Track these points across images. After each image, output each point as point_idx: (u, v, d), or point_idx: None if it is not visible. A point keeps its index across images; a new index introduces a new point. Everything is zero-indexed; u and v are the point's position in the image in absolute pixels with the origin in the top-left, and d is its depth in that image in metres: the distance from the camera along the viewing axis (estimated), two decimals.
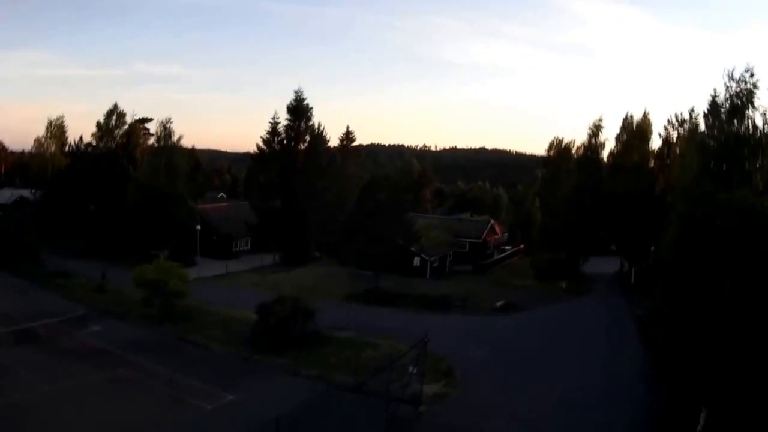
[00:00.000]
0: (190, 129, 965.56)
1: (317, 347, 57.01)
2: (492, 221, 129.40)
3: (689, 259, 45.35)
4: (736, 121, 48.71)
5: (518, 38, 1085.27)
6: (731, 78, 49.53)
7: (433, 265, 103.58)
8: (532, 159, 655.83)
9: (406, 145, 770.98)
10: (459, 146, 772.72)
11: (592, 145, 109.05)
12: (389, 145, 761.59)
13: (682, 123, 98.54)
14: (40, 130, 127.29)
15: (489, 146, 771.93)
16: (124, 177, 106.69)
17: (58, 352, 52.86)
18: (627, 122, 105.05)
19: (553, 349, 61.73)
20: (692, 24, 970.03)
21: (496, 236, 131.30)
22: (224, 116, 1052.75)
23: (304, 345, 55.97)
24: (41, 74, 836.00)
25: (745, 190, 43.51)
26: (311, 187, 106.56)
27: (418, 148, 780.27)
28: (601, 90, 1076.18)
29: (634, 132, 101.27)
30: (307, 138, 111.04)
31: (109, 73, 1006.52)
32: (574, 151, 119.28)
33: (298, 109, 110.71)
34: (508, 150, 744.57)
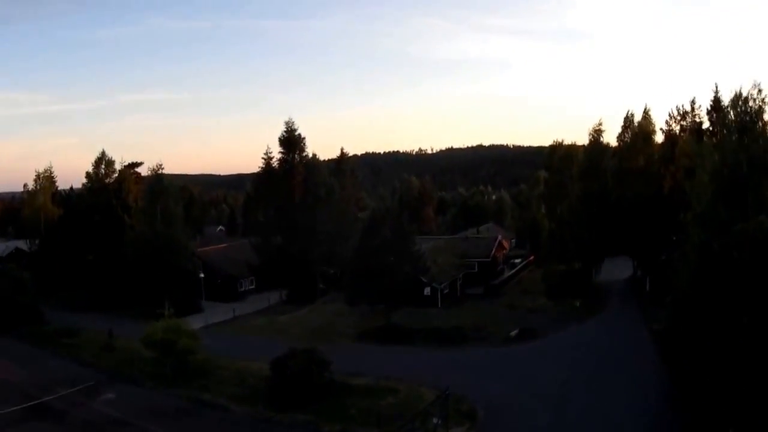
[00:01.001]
0: (180, 155, 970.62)
1: (336, 398, 55.21)
2: (499, 237, 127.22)
3: (708, 293, 43.60)
4: (746, 140, 46.71)
5: (508, 30, 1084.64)
6: (739, 99, 47.87)
7: (444, 291, 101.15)
8: (531, 151, 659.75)
9: (401, 151, 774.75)
10: (456, 146, 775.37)
11: (594, 151, 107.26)
12: (385, 152, 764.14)
13: (684, 116, 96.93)
14: (29, 169, 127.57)
15: (486, 142, 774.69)
16: (119, 226, 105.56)
17: (75, 426, 51.78)
18: (629, 121, 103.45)
19: (574, 381, 59.28)
20: (691, 4, 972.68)
21: (504, 251, 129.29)
22: (215, 139, 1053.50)
23: (322, 397, 54.49)
24: (24, 112, 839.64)
25: (762, 217, 41.61)
26: (311, 221, 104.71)
27: (414, 153, 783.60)
28: (599, 74, 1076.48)
29: (637, 134, 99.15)
30: (302, 170, 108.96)
31: (93, 105, 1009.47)
32: (577, 154, 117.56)
33: (291, 141, 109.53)
34: (506, 144, 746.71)
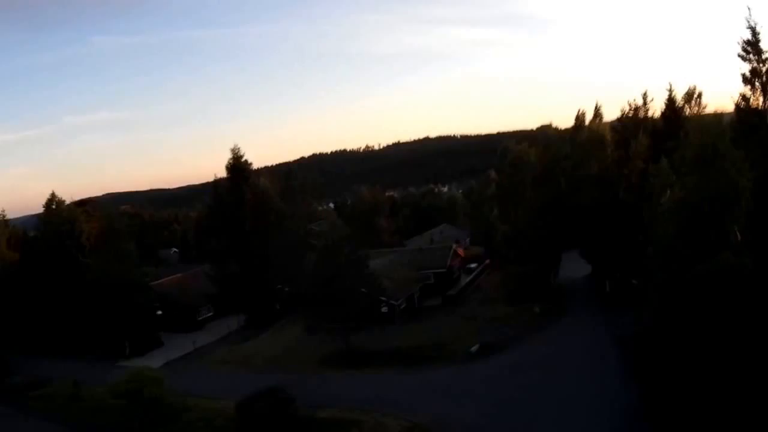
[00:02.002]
0: (129, 172, 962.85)
1: None
2: (454, 246, 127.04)
3: (672, 328, 44.43)
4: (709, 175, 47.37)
5: (448, 20, 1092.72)
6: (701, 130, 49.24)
7: (402, 307, 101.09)
8: (478, 140, 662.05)
9: (348, 149, 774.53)
10: (403, 140, 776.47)
11: (547, 158, 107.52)
12: (332, 152, 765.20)
13: (636, 111, 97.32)
14: None
15: (433, 134, 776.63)
16: (76, 267, 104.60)
17: None
18: (580, 120, 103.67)
19: (541, 400, 58.50)
20: None
21: (459, 258, 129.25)
22: (162, 153, 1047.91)
23: None
24: None
25: (726, 253, 42.47)
26: (264, 247, 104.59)
27: (362, 150, 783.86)
28: (544, 60, 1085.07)
29: (590, 138, 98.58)
30: (252, 198, 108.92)
31: (41, 131, 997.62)
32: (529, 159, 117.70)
33: (237, 169, 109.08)
34: (453, 135, 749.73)
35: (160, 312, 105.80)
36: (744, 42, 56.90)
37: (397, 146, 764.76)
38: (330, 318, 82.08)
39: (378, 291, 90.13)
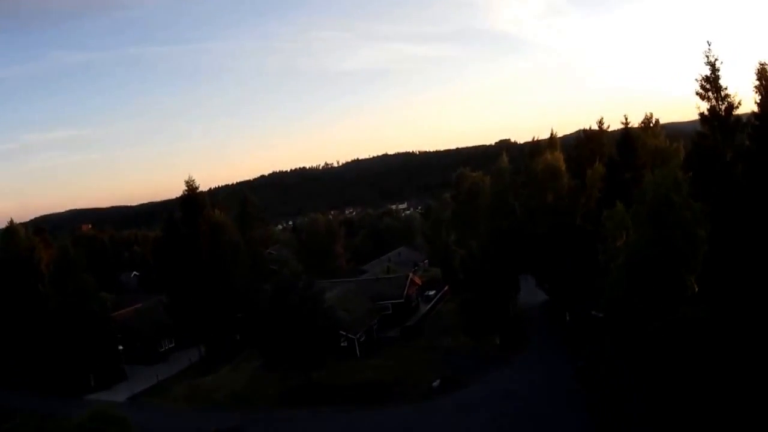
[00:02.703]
0: (90, 190, 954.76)
1: None
2: (410, 275, 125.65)
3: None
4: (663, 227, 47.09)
5: (401, 36, 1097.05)
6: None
7: (361, 340, 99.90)
8: (437, 155, 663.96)
9: (308, 167, 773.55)
10: (362, 157, 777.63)
11: (500, 190, 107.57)
12: (292, 170, 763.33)
13: (589, 140, 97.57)
14: None
15: (391, 151, 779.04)
16: (35, 297, 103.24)
17: None
18: (536, 149, 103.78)
19: None
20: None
21: (417, 286, 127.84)
22: (123, 170, 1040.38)
23: None
24: None
25: (684, 308, 42.65)
26: (221, 279, 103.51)
27: (321, 167, 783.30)
28: (496, 74, 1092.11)
29: (545, 169, 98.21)
30: (207, 230, 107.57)
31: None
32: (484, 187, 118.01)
33: (191, 201, 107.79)
34: (411, 151, 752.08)
35: (121, 347, 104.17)
36: (702, 79, 53.13)
37: (357, 163, 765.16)
38: (288, 355, 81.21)
39: (337, 325, 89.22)
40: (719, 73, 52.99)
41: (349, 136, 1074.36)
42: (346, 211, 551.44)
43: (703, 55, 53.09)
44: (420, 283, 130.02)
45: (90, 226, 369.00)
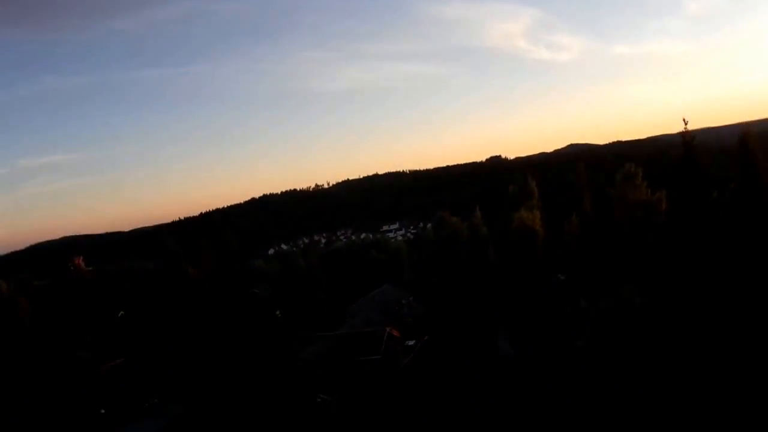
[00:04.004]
0: (84, 215, 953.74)
1: None
2: (388, 329, 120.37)
3: None
4: None
5: (389, 55, 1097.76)
6: None
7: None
8: (428, 174, 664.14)
9: (299, 189, 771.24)
10: (352, 177, 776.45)
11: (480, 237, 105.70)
12: (282, 192, 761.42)
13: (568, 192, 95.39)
14: None
15: (381, 170, 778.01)
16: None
17: None
18: (512, 199, 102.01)
19: None
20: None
21: (396, 338, 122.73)
22: (115, 195, 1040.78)
23: None
24: None
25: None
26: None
27: (311, 189, 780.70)
28: (490, 91, 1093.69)
29: (519, 227, 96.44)
30: None
31: None
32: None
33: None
34: (402, 170, 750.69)
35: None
36: None
37: (347, 183, 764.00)
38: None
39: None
40: None
41: (338, 156, 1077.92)
42: (338, 233, 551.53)
43: None
44: (399, 335, 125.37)
45: (81, 258, 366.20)
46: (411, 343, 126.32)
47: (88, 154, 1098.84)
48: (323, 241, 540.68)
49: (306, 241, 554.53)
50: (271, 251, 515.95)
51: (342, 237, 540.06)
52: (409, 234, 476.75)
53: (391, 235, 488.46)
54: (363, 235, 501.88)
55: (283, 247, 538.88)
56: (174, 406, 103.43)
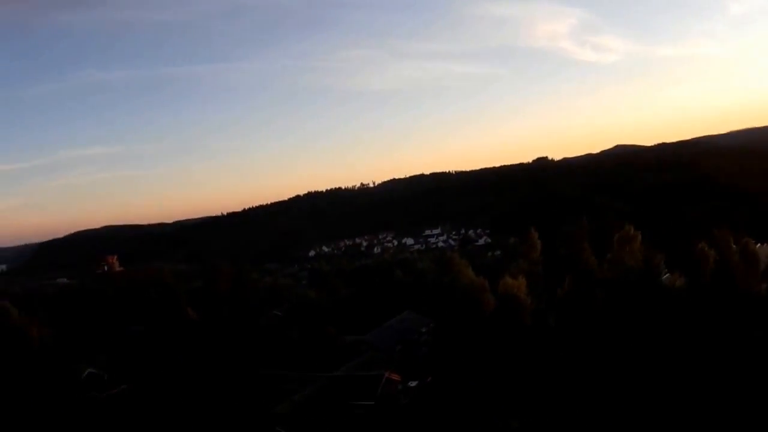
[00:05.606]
0: (126, 206, 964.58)
1: None
2: (386, 374, 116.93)
3: None
4: None
5: (438, 55, 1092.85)
6: None
7: None
8: (473, 175, 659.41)
9: (344, 187, 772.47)
10: (397, 176, 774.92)
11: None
12: (327, 190, 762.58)
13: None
14: None
15: (427, 171, 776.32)
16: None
17: None
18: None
19: None
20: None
21: (396, 382, 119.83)
22: (158, 188, 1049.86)
23: None
24: None
25: None
26: None
27: (356, 188, 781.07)
28: (540, 90, 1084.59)
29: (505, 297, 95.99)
30: None
31: (34, 163, 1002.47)
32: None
33: None
34: (447, 171, 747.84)
35: None
36: None
37: (392, 183, 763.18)
38: None
39: None
40: None
41: (384, 155, 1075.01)
42: (380, 236, 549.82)
43: None
44: (399, 379, 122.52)
45: (115, 257, 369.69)
46: (413, 384, 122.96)
47: (131, 147, 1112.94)
48: (365, 244, 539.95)
49: (348, 243, 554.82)
50: (312, 253, 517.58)
51: (384, 241, 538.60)
52: (450, 240, 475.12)
53: (433, 240, 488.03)
54: (404, 240, 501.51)
55: (324, 249, 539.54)
56: None
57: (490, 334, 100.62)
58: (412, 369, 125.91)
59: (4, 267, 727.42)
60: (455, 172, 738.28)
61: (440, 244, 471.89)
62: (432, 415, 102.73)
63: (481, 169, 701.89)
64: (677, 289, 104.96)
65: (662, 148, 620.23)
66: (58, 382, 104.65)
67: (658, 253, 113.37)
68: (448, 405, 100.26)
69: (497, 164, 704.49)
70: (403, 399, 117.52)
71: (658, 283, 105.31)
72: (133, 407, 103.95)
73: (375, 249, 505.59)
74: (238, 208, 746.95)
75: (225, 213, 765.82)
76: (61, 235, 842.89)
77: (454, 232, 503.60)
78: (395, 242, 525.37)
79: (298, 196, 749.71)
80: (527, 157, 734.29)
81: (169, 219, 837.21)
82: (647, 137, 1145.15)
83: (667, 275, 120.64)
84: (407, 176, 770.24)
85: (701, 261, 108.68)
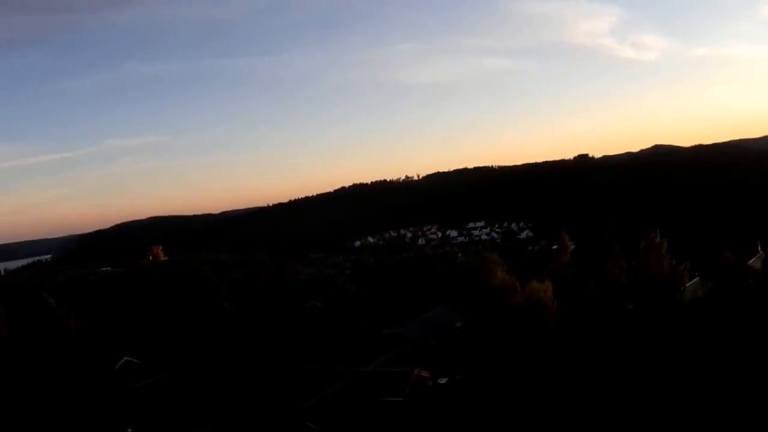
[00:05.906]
0: (171, 197, 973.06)
1: None
2: (416, 371, 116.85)
3: None
4: None
5: (485, 50, 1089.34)
6: None
7: None
8: (516, 170, 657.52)
9: (389, 180, 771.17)
10: (441, 170, 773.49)
11: None
12: (372, 182, 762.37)
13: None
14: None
15: (471, 164, 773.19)
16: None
17: None
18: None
19: None
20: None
21: (425, 378, 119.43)
22: (204, 178, 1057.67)
23: None
24: (13, 165, 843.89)
25: None
26: None
27: (401, 180, 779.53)
28: (584, 86, 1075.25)
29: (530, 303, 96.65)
30: None
31: (82, 152, 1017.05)
32: None
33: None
34: (490, 165, 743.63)
35: None
36: None
37: (436, 176, 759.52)
38: None
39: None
40: None
41: (429, 148, 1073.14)
42: (425, 228, 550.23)
43: None
44: (428, 375, 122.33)
45: (160, 248, 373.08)
46: (443, 381, 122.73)
47: (176, 138, 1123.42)
48: (409, 236, 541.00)
49: (393, 234, 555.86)
50: (357, 243, 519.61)
51: (428, 233, 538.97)
52: (494, 233, 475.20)
53: (476, 233, 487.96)
54: (448, 232, 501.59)
55: (370, 240, 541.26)
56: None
57: (515, 335, 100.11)
58: (444, 364, 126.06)
59: (48, 257, 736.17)
60: (498, 167, 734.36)
61: (483, 236, 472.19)
62: (460, 413, 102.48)
63: (523, 164, 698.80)
64: (698, 299, 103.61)
65: (699, 149, 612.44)
66: (93, 371, 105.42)
67: (684, 261, 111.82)
68: (477, 404, 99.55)
69: (539, 160, 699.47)
70: (432, 396, 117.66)
71: (677, 294, 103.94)
72: (169, 397, 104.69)
73: (419, 240, 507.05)
74: (285, 199, 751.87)
75: (271, 204, 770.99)
76: (106, 226, 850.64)
77: (497, 225, 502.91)
78: (439, 234, 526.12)
79: (343, 188, 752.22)
80: (568, 154, 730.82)
81: (215, 210, 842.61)
82: (685, 138, 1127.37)
83: (696, 279, 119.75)
84: (451, 170, 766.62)
85: (726, 269, 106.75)
